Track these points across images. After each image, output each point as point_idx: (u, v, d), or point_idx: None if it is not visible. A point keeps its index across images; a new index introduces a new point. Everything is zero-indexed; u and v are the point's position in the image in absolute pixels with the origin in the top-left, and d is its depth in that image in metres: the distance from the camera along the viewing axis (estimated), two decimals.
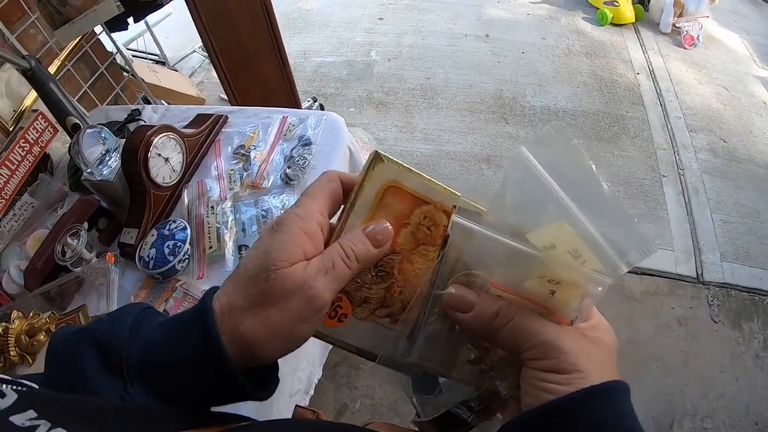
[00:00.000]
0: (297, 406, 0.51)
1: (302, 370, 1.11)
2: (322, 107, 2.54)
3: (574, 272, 0.30)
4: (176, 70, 2.96)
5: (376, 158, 0.35)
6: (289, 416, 0.62)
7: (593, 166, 0.32)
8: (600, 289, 0.31)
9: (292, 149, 1.12)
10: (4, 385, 0.24)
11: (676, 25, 3.50)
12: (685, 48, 3.40)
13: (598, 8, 3.39)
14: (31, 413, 0.22)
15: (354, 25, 3.25)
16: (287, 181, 1.06)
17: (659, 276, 2.12)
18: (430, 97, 2.68)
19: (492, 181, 2.35)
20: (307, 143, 1.12)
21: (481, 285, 0.34)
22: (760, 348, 1.99)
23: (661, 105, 2.85)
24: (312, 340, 0.35)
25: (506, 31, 3.19)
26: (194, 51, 3.14)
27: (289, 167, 1.08)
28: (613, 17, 3.34)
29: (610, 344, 0.33)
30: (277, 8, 3.36)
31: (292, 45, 3.10)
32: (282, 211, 0.88)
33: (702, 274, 2.17)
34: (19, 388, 0.24)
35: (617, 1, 3.33)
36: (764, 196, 2.52)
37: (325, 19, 3.32)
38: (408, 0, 3.43)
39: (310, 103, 2.50)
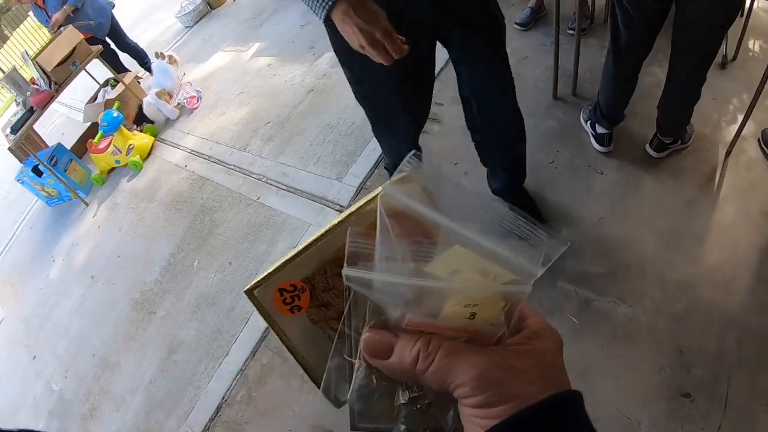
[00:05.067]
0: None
1: None
2: None
3: (487, 290, 0.28)
4: None
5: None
6: None
7: (465, 184, 0.29)
8: (519, 296, 0.29)
9: None
10: None
11: (176, 105, 3.94)
12: (197, 109, 3.86)
13: (126, 165, 3.63)
14: None
15: (21, 402, 3.07)
16: None
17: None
18: (106, 367, 2.71)
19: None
20: None
21: (397, 325, 0.31)
22: None
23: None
24: None
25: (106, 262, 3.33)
26: None
27: None
28: (140, 155, 3.58)
29: (551, 348, 0.31)
30: None
31: None
32: None
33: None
34: None
35: (120, 149, 3.57)
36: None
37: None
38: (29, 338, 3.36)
39: None
